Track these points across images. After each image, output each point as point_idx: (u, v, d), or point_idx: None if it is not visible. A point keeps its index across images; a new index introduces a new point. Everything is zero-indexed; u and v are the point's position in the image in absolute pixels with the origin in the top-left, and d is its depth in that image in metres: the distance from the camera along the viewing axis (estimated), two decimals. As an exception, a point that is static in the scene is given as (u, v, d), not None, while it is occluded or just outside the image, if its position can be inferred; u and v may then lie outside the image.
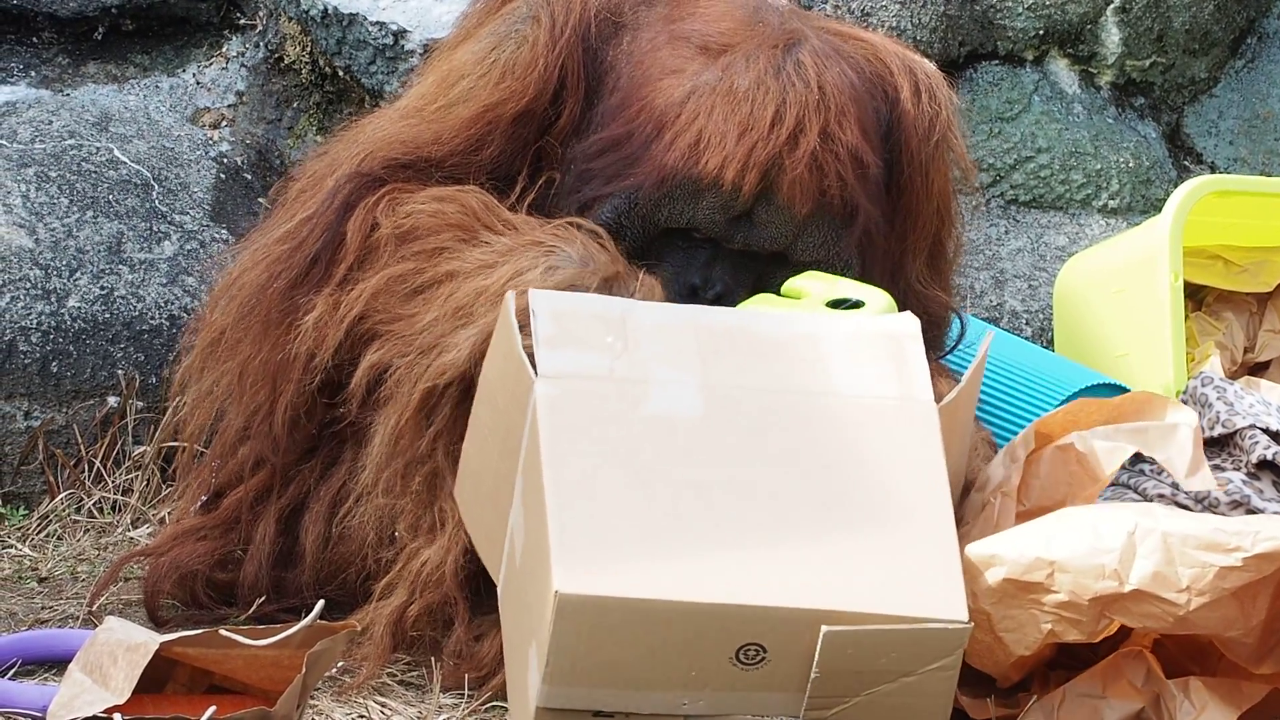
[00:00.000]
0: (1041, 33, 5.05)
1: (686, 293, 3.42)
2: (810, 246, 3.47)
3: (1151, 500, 3.37)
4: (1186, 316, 4.30)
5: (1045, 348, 4.56)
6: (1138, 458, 3.40)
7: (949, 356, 3.81)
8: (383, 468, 3.38)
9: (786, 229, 3.45)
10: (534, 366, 2.92)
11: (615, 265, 3.29)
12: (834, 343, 3.03)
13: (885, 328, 3.08)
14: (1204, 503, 3.36)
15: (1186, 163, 5.23)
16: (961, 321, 3.79)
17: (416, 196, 3.41)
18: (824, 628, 2.79)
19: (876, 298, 3.35)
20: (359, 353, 3.40)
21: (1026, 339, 4.68)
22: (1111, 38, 5.09)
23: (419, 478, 3.35)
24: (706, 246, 3.47)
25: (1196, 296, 4.51)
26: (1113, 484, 3.43)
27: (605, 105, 3.51)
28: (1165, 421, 3.15)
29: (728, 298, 3.44)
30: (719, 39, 3.47)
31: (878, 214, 3.52)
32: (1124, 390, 3.92)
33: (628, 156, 3.43)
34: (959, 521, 3.19)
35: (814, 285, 3.40)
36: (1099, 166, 5.04)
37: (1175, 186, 4.45)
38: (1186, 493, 3.36)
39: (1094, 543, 2.95)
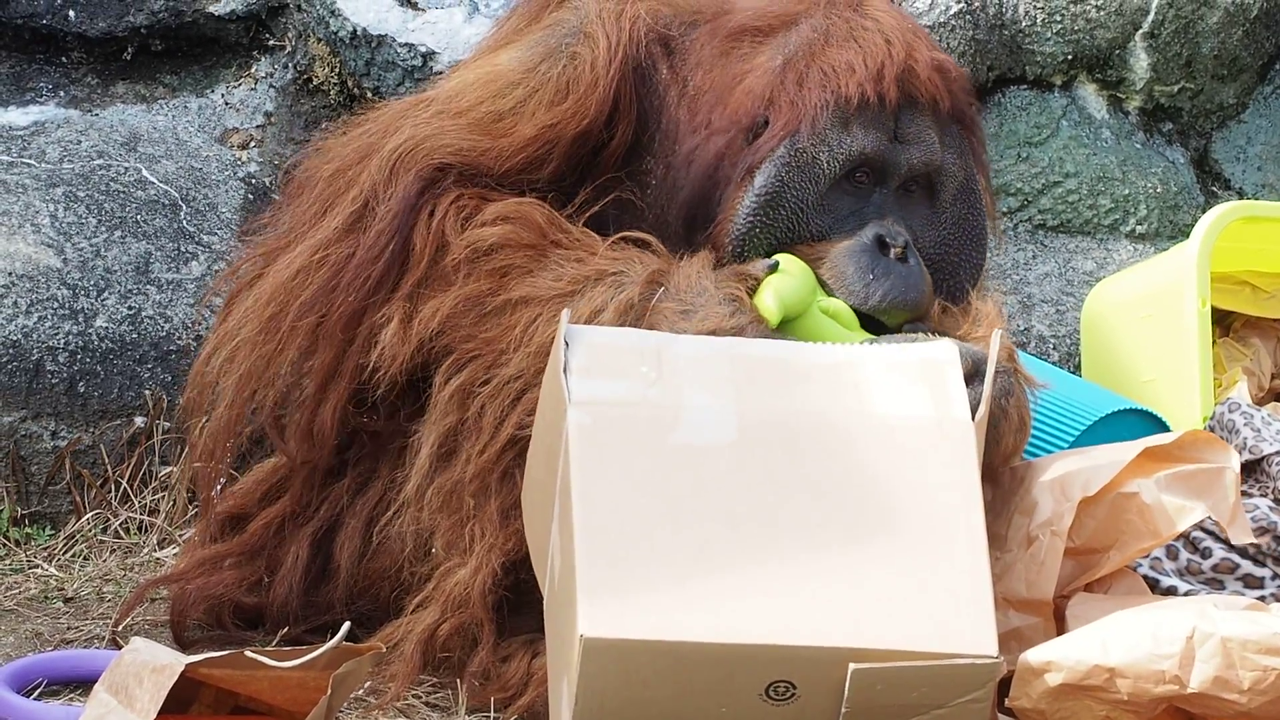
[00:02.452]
0: (1070, 58, 5.04)
1: (875, 247, 3.41)
2: (952, 160, 3.53)
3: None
4: (1214, 342, 4.28)
5: (1072, 372, 4.55)
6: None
7: None
8: (427, 481, 3.38)
9: (932, 138, 3.49)
10: (569, 393, 2.93)
11: (666, 262, 3.32)
12: (873, 368, 3.03)
13: (925, 354, 3.08)
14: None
15: (1214, 188, 5.22)
16: None
17: (484, 213, 3.40)
18: (852, 665, 2.77)
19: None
20: (432, 367, 3.40)
21: (1053, 364, 4.67)
22: (1140, 63, 5.08)
23: (469, 496, 3.35)
24: (872, 197, 3.48)
25: (1224, 322, 4.49)
26: None
27: (672, 131, 3.53)
28: (1212, 465, 3.16)
29: (911, 249, 3.44)
30: (778, 16, 3.52)
31: (979, 121, 3.67)
32: (1150, 415, 3.91)
33: (754, 129, 3.46)
34: (999, 545, 3.18)
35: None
36: (1127, 192, 5.03)
37: (1203, 212, 4.45)
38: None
39: (1152, 649, 2.94)
